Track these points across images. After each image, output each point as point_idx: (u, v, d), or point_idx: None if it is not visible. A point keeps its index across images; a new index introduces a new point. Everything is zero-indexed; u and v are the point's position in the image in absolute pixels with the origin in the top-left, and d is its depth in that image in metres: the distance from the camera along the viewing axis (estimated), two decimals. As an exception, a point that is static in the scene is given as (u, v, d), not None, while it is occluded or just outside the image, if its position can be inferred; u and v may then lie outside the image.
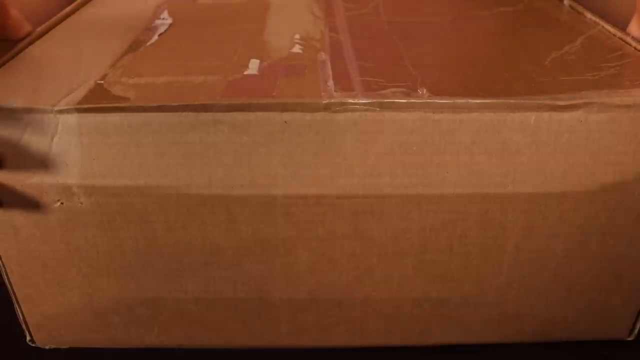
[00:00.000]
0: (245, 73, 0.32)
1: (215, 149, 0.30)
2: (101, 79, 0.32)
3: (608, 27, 0.39)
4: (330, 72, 0.32)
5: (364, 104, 0.29)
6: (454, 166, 0.31)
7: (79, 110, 0.29)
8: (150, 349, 0.38)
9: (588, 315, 0.37)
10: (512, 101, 0.29)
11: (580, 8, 0.43)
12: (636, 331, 0.38)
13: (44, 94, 0.30)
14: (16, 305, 0.36)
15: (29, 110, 0.29)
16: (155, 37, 0.38)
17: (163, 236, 0.33)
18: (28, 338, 0.38)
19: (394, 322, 0.37)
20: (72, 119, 0.29)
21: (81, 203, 0.32)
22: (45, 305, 0.36)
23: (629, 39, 0.37)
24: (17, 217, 0.32)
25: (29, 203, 0.32)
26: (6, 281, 0.35)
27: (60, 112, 0.29)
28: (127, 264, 0.34)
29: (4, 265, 0.34)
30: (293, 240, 0.33)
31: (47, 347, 0.38)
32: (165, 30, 0.39)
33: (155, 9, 0.43)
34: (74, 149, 0.30)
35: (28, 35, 0.37)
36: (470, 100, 0.29)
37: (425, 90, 0.30)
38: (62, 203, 0.32)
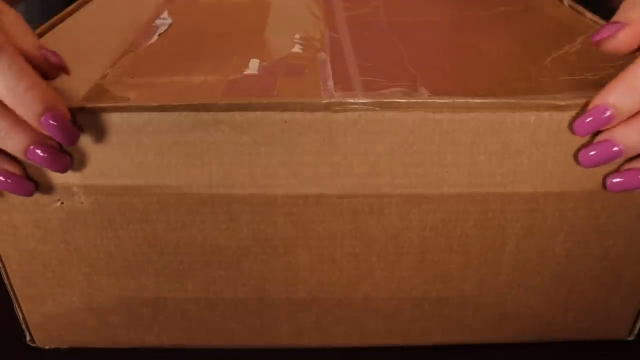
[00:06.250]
0: (245, 73, 0.32)
1: (216, 149, 0.30)
2: (101, 79, 0.32)
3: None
4: (330, 72, 0.32)
5: (364, 104, 0.29)
6: (454, 166, 0.31)
7: (79, 110, 0.29)
8: (150, 349, 0.38)
9: (588, 315, 0.37)
10: (512, 101, 0.29)
11: (580, 8, 0.43)
12: (636, 331, 0.38)
13: (44, 94, 0.30)
14: (16, 305, 0.36)
15: (29, 110, 0.29)
16: (155, 37, 0.38)
17: (163, 236, 0.33)
18: (28, 338, 0.38)
19: (393, 322, 0.37)
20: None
21: (81, 203, 0.32)
22: (45, 305, 0.36)
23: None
24: (17, 217, 0.32)
25: (29, 203, 0.32)
26: (6, 281, 0.35)
27: (61, 111, 0.29)
28: (127, 264, 0.34)
29: (4, 265, 0.34)
30: (293, 239, 0.33)
31: (47, 347, 0.38)
32: (165, 30, 0.39)
33: (155, 9, 0.43)
34: (74, 149, 0.30)
35: None
36: (470, 100, 0.29)
37: (425, 90, 0.30)
38: (62, 203, 0.32)
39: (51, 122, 0.27)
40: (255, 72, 0.32)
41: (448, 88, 0.31)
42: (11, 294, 0.36)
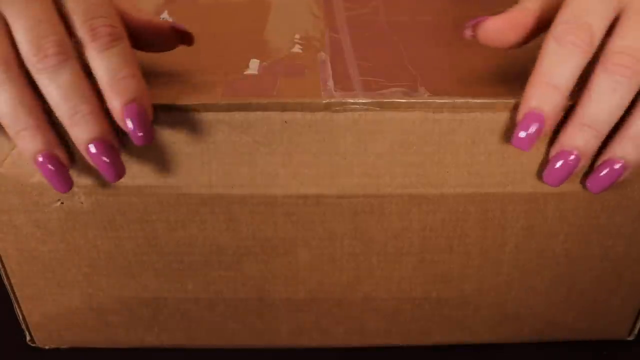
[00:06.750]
0: (245, 73, 0.32)
1: (216, 149, 0.30)
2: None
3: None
4: (330, 72, 0.32)
5: (364, 104, 0.29)
6: (454, 166, 0.31)
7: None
8: (150, 349, 0.38)
9: (588, 315, 0.37)
10: (512, 101, 0.29)
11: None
12: (636, 331, 0.38)
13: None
14: (16, 305, 0.36)
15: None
16: (155, 37, 0.38)
17: (163, 236, 0.33)
18: (28, 338, 0.38)
19: (393, 322, 0.37)
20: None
21: (81, 203, 0.32)
22: (45, 305, 0.36)
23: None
24: (17, 217, 0.32)
25: (29, 203, 0.32)
26: (6, 281, 0.35)
27: (61, 112, 0.29)
28: (127, 264, 0.34)
29: (4, 266, 0.34)
30: (293, 240, 0.33)
31: (47, 347, 0.38)
32: (165, 30, 0.39)
33: (155, 9, 0.43)
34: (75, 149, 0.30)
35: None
36: (470, 100, 0.29)
37: (425, 90, 0.30)
38: (62, 203, 0.32)
39: (135, 113, 0.27)
40: (255, 72, 0.32)
41: (448, 88, 0.31)
42: (11, 294, 0.36)
